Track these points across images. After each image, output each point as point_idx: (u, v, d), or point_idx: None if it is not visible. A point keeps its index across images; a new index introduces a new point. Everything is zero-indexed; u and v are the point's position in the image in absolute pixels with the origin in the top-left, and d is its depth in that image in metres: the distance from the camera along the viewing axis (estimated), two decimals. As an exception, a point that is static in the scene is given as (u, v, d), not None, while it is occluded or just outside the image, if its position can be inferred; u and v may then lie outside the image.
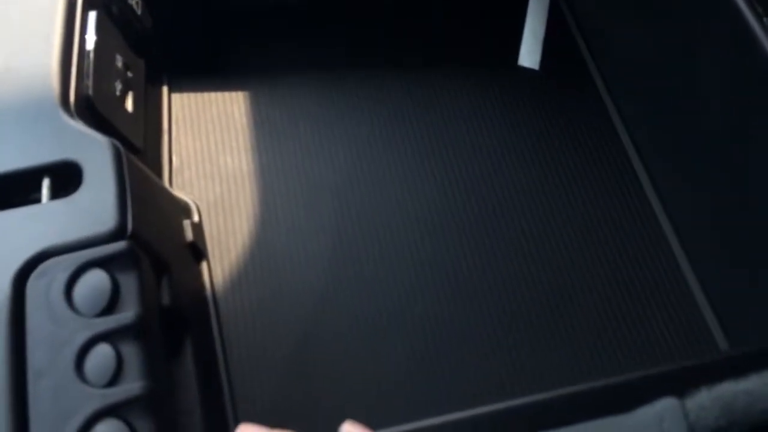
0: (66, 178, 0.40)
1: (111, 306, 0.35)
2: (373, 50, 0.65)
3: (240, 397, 0.45)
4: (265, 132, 0.57)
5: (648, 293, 0.52)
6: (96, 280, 0.35)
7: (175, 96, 0.58)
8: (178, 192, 0.52)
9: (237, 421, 0.44)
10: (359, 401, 0.46)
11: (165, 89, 0.58)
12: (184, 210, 0.51)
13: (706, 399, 0.29)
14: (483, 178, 0.57)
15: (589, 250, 0.54)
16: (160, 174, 0.52)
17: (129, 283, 0.35)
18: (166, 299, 0.40)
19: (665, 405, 0.28)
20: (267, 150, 0.57)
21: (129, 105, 0.49)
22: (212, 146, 0.56)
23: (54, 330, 0.33)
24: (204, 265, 0.50)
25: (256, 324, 0.49)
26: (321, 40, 0.64)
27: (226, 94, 0.59)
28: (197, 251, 0.49)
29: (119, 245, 0.36)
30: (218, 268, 0.51)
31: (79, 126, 0.41)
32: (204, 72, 0.60)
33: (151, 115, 0.51)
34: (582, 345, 0.49)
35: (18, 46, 0.43)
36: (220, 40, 0.62)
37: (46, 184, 0.39)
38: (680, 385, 0.29)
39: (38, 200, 0.39)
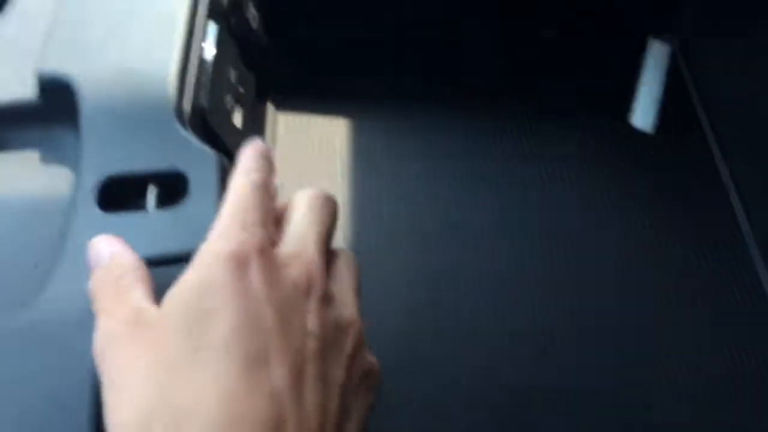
0: (172, 187, 0.39)
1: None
2: (486, 93, 0.63)
3: None
4: (364, 162, 0.56)
5: None
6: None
7: (281, 115, 0.58)
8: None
9: None
10: None
11: (271, 107, 0.58)
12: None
13: None
14: (586, 237, 0.54)
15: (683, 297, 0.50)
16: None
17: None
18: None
19: None
20: (364, 181, 0.55)
21: (237, 120, 0.49)
22: (310, 170, 0.55)
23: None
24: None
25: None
26: (437, 75, 0.63)
27: (331, 119, 0.58)
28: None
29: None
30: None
31: (190, 137, 0.40)
32: (312, 93, 0.60)
33: (255, 131, 0.50)
34: None
35: (142, 50, 0.43)
36: (334, 61, 0.62)
37: (152, 191, 0.39)
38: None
39: (143, 206, 0.39)
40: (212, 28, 0.47)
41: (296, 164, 0.56)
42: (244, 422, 0.23)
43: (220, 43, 0.47)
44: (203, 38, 0.46)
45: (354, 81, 0.62)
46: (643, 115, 0.64)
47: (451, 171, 0.57)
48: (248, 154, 0.34)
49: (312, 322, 0.27)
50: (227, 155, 0.44)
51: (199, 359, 0.25)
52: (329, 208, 0.32)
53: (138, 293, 0.29)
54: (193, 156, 0.39)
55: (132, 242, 0.36)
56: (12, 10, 0.46)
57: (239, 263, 0.26)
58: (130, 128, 0.40)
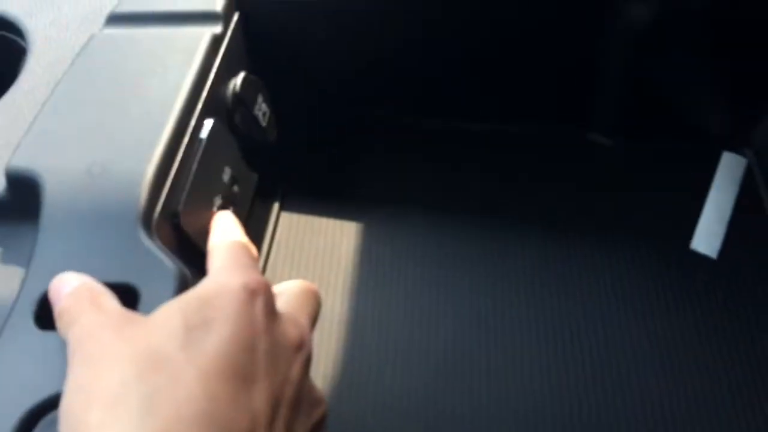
0: (122, 302, 0.35)
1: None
2: (517, 203, 0.57)
3: None
4: (370, 272, 0.50)
5: None
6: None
7: (285, 216, 0.53)
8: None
9: None
10: None
11: (276, 207, 0.54)
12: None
13: None
14: (624, 383, 0.46)
15: None
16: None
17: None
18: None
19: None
20: (368, 294, 0.50)
21: (225, 223, 0.45)
22: (309, 279, 0.50)
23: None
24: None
25: None
26: (458, 175, 0.58)
27: (338, 223, 0.53)
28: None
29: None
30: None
31: (151, 247, 0.36)
32: (321, 193, 0.56)
33: (251, 235, 0.46)
34: None
35: (122, 148, 0.40)
36: (347, 162, 0.58)
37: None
38: None
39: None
40: (207, 126, 0.43)
41: (296, 272, 0.51)
42: (223, 428, 0.24)
43: (213, 142, 0.43)
44: (195, 136, 0.43)
45: (369, 183, 0.57)
46: (706, 238, 0.55)
47: (465, 288, 0.51)
48: (223, 219, 0.40)
49: (295, 373, 0.29)
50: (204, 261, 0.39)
51: (189, 360, 0.25)
52: (317, 302, 0.35)
53: (116, 303, 0.31)
54: (149, 269, 0.35)
55: (58, 371, 0.32)
56: (3, 101, 0.45)
57: (249, 292, 0.28)
58: (88, 234, 0.37)
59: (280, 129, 0.52)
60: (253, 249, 0.37)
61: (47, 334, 0.33)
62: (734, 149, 0.60)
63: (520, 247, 0.54)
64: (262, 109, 0.49)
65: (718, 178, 0.59)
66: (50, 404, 0.31)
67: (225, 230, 0.39)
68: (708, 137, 0.61)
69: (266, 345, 0.27)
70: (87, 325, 0.29)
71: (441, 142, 0.60)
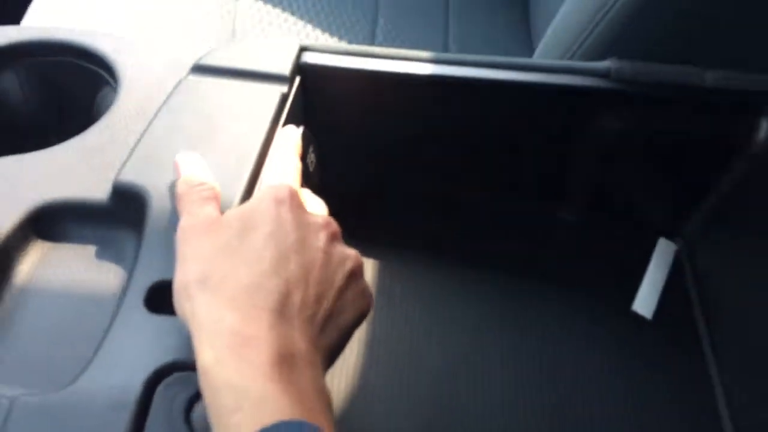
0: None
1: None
2: (498, 261, 0.68)
3: None
4: (383, 304, 0.60)
5: None
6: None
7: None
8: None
9: None
10: None
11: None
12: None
13: None
14: (578, 405, 0.57)
15: None
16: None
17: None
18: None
19: None
20: (377, 323, 0.59)
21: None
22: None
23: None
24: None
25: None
26: (456, 232, 0.69)
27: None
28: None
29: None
30: None
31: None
32: (349, 234, 0.65)
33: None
34: None
35: (214, 174, 0.47)
36: (377, 209, 0.67)
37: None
38: None
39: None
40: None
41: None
42: (262, 288, 0.36)
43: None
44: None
45: (382, 227, 0.67)
46: (644, 302, 0.68)
47: (462, 316, 0.61)
48: (287, 132, 0.53)
49: (321, 243, 0.40)
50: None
51: (242, 249, 0.38)
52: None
53: (212, 205, 0.42)
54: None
55: (170, 345, 0.39)
56: (99, 125, 0.53)
57: (277, 201, 0.40)
58: None
59: (322, 176, 0.61)
60: (296, 159, 0.50)
61: (155, 317, 0.41)
62: (669, 236, 0.74)
63: (499, 294, 0.65)
64: (311, 158, 0.59)
65: (654, 257, 0.72)
66: (167, 370, 0.38)
67: (278, 146, 0.52)
68: (651, 225, 0.74)
69: (294, 233, 0.39)
70: (186, 226, 0.41)
71: (448, 205, 0.71)
